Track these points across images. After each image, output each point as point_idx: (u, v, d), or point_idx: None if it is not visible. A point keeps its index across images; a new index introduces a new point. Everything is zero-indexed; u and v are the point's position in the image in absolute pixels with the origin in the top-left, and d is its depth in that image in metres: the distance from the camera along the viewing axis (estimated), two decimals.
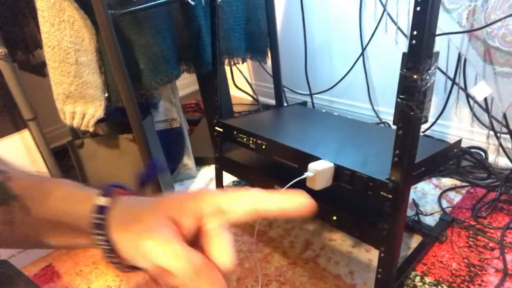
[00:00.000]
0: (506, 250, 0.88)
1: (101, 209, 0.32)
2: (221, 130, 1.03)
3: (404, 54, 0.60)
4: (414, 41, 0.58)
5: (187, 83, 2.00)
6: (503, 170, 1.12)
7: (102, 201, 0.33)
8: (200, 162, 1.42)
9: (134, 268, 0.32)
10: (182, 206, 0.31)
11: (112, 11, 0.83)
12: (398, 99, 0.63)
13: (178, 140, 1.34)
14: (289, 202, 0.30)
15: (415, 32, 0.57)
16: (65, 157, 1.26)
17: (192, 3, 0.93)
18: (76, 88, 0.91)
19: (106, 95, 0.96)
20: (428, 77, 0.60)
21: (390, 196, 0.68)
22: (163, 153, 1.19)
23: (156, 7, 0.99)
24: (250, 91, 1.81)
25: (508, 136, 1.10)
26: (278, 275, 0.90)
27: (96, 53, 0.91)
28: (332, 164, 0.74)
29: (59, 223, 0.34)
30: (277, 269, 0.92)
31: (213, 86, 1.08)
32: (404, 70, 0.60)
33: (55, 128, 1.48)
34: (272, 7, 1.22)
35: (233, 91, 1.69)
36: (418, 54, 0.58)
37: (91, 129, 0.96)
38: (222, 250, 0.29)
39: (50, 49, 0.86)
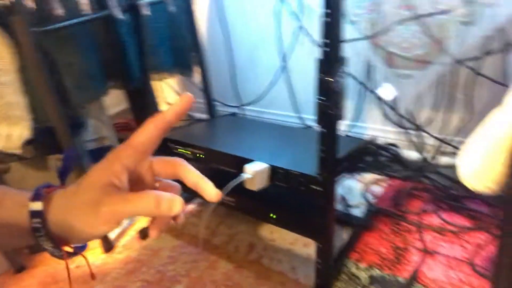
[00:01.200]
0: (424, 231, 0.99)
1: (37, 214, 0.35)
2: None
3: (318, 60, 0.68)
4: (325, 48, 0.66)
5: (115, 102, 1.95)
6: (414, 162, 1.27)
7: (36, 206, 0.35)
8: None
9: (76, 253, 0.38)
10: (111, 171, 0.35)
11: (34, 29, 0.82)
12: (317, 101, 0.70)
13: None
14: (181, 106, 0.39)
15: (325, 41, 0.65)
16: None
17: (122, 17, 0.94)
18: (0, 110, 0.86)
19: (33, 115, 0.92)
20: (340, 79, 0.68)
21: (320, 189, 0.74)
22: None
23: (79, 25, 0.98)
24: None
25: (414, 131, 1.25)
26: (226, 279, 0.92)
27: (18, 72, 0.87)
28: (267, 165, 0.79)
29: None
30: (224, 274, 0.94)
31: (143, 101, 1.08)
32: (320, 75, 0.68)
33: None
34: (193, 24, 1.27)
35: (165, 108, 1.69)
36: (330, 60, 0.66)
37: (18, 151, 0.92)
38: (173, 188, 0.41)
39: None
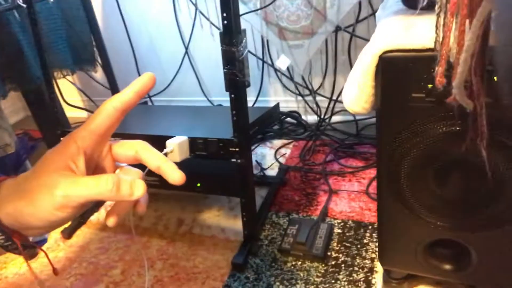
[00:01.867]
0: (328, 177, 1.16)
1: None
2: None
3: (220, 33, 0.77)
4: (225, 22, 0.75)
5: (10, 112, 1.82)
6: (313, 124, 1.44)
7: None
8: None
9: (32, 247, 0.35)
10: (67, 154, 0.33)
11: None
12: (225, 70, 0.79)
13: (16, 165, 1.25)
14: (142, 84, 0.36)
15: (225, 14, 0.74)
16: None
17: (23, 5, 0.91)
18: None
19: None
20: (242, 48, 0.78)
21: (238, 149, 0.84)
22: None
23: None
24: (86, 106, 1.78)
25: (310, 97, 1.42)
26: (161, 254, 0.97)
27: None
28: (186, 137, 0.86)
29: None
30: (158, 250, 0.99)
31: (46, 100, 1.07)
32: (224, 46, 0.77)
33: None
34: (94, 19, 1.27)
35: (68, 112, 1.63)
36: (231, 31, 0.76)
37: None
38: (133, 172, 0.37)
39: None
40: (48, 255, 0.38)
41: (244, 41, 0.79)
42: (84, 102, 1.81)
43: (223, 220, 1.06)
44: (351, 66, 1.27)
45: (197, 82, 1.60)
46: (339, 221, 0.98)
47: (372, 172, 1.15)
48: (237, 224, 1.02)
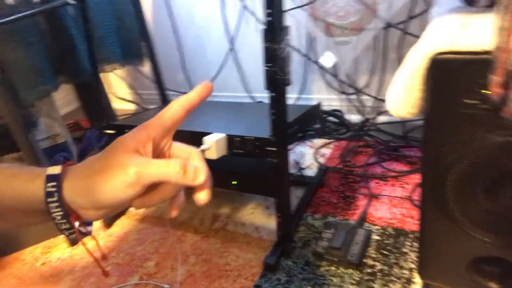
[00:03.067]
0: (369, 180, 1.11)
1: (53, 178, 0.34)
2: (113, 131, 1.06)
3: (263, 30, 0.75)
4: (269, 18, 0.73)
5: (62, 104, 1.91)
6: (357, 123, 1.39)
7: (53, 170, 0.34)
8: None
9: (85, 234, 0.36)
10: (138, 140, 0.36)
11: None
12: (265, 67, 0.77)
13: (65, 155, 1.31)
14: (202, 92, 0.40)
15: (269, 11, 0.72)
16: None
17: (73, 2, 0.95)
18: None
19: None
20: (284, 46, 0.76)
21: (275, 149, 0.82)
22: None
23: (22, 21, 0.97)
24: (134, 99, 1.84)
25: (354, 95, 1.37)
26: (194, 249, 0.98)
27: None
28: (224, 135, 0.86)
29: (8, 201, 0.34)
30: (192, 245, 1.00)
31: (94, 95, 1.10)
32: (266, 43, 0.75)
33: None
34: (141, 13, 1.29)
35: (117, 104, 1.69)
36: (274, 28, 0.73)
37: None
38: (187, 149, 0.40)
39: None
40: (89, 243, 0.41)
41: (287, 38, 0.77)
42: (132, 94, 1.86)
43: (258, 218, 1.05)
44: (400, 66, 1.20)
45: (240, 78, 1.60)
46: (378, 227, 0.93)
47: (417, 178, 1.09)
48: (271, 224, 1.00)
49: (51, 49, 1.11)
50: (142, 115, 1.22)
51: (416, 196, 1.01)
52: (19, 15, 0.93)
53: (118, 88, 1.78)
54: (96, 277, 0.94)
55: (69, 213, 0.34)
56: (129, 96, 1.82)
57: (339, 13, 1.09)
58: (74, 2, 0.97)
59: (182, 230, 1.05)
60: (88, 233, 0.37)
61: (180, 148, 0.41)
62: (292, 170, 1.20)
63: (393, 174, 1.13)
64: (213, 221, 1.07)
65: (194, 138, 0.92)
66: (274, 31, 0.74)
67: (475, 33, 0.46)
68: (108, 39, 1.26)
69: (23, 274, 1.00)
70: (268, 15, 0.73)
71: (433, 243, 0.62)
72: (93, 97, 1.28)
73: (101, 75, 1.31)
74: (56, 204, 0.33)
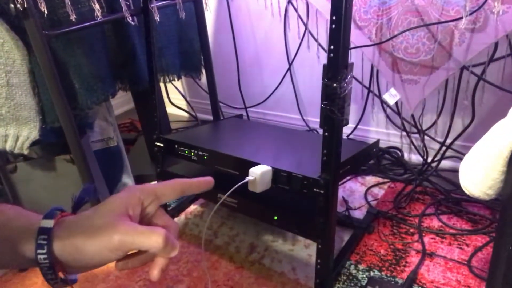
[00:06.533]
0: (423, 234, 1.01)
1: (45, 231, 0.36)
2: (162, 145, 1.06)
3: (324, 66, 0.69)
4: (331, 55, 0.67)
5: (120, 103, 1.98)
6: (416, 166, 1.28)
7: (46, 223, 0.36)
8: (140, 180, 1.42)
9: (71, 281, 0.38)
10: (129, 202, 0.39)
11: (46, 32, 0.84)
12: (322, 105, 0.71)
13: (116, 159, 1.33)
14: (202, 184, 0.45)
15: (332, 47, 0.67)
16: None
17: (132, 23, 0.96)
18: (8, 110, 0.88)
19: (41, 116, 0.95)
20: (345, 85, 0.70)
21: (322, 192, 0.76)
22: (101, 173, 1.18)
23: (90, 28, 1.00)
24: (186, 107, 1.85)
25: (417, 135, 1.26)
26: (227, 279, 0.94)
27: (29, 74, 0.90)
28: (270, 168, 0.81)
29: (4, 242, 0.37)
30: (225, 274, 0.95)
31: (150, 103, 1.11)
32: (325, 80, 0.70)
33: None
34: (204, 26, 1.29)
35: (169, 109, 1.71)
36: (336, 66, 0.68)
37: (26, 152, 0.94)
38: (169, 222, 0.43)
39: None
40: None
41: (349, 76, 0.71)
42: (184, 101, 1.87)
43: (296, 257, 0.99)
44: (473, 113, 1.08)
45: (295, 100, 1.55)
46: None
47: (479, 240, 0.97)
48: (310, 266, 0.94)
49: (112, 56, 1.13)
50: (194, 130, 1.21)
51: (476, 262, 0.89)
52: (87, 23, 0.95)
53: (173, 92, 1.80)
54: None
55: (55, 265, 0.36)
56: (183, 102, 1.84)
57: (409, 49, 1.00)
58: (135, 23, 0.98)
59: (217, 255, 1.02)
60: (74, 281, 0.39)
61: (162, 217, 0.43)
62: (339, 209, 1.13)
63: (451, 231, 1.01)
64: (250, 251, 1.03)
65: (239, 165, 0.89)
66: (335, 68, 0.68)
67: None
68: (169, 50, 1.27)
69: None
70: (331, 51, 0.67)
71: None
72: (149, 107, 1.29)
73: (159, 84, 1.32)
74: (45, 256, 0.35)
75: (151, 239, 0.36)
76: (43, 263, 0.35)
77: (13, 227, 0.37)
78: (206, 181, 0.45)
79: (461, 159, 1.17)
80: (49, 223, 0.36)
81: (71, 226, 0.37)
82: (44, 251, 0.35)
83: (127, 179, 1.34)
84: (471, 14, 0.88)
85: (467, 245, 0.96)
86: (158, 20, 0.99)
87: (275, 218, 0.88)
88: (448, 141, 1.17)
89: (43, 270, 0.36)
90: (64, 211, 0.39)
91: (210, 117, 1.43)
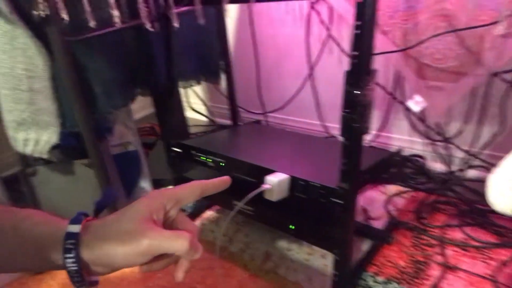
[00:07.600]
0: (445, 246, 0.97)
1: (72, 235, 0.37)
2: (180, 150, 1.06)
3: (346, 72, 0.67)
4: (355, 60, 0.65)
5: (141, 107, 2.00)
6: (440, 175, 1.24)
7: (74, 228, 0.37)
8: (157, 184, 1.42)
9: (94, 282, 0.40)
10: (153, 207, 0.40)
11: (67, 39, 0.85)
12: (343, 113, 0.69)
13: (134, 163, 1.34)
14: (220, 183, 0.46)
15: (355, 53, 0.64)
16: (13, 186, 1.21)
17: (151, 29, 0.96)
18: (30, 115, 0.90)
19: (61, 121, 0.96)
20: (368, 92, 0.68)
21: (341, 202, 0.74)
22: (118, 177, 1.19)
23: (110, 34, 1.01)
24: (205, 112, 1.85)
25: (441, 143, 1.22)
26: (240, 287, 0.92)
27: (50, 79, 0.91)
28: (287, 176, 0.80)
29: (31, 246, 0.38)
30: (239, 282, 0.94)
31: (169, 108, 1.11)
32: (347, 87, 0.67)
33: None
34: (224, 31, 1.28)
35: (189, 113, 1.72)
36: (359, 72, 0.65)
37: (45, 156, 0.95)
38: (190, 226, 0.43)
39: (1, 76, 0.85)
40: None
41: (372, 83, 0.68)
42: (203, 105, 1.88)
43: (312, 267, 0.96)
44: (503, 122, 1.04)
45: (315, 105, 1.53)
46: None
47: (505, 254, 0.92)
48: (327, 277, 0.91)
49: (132, 62, 1.14)
50: (212, 136, 1.21)
51: (501, 278, 0.85)
52: (107, 29, 0.96)
53: (193, 97, 1.81)
54: None
55: (82, 268, 0.37)
56: (200, 107, 1.84)
57: (436, 55, 0.96)
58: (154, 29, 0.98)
59: (231, 263, 1.01)
60: (96, 283, 0.40)
61: (183, 220, 0.44)
62: (358, 218, 1.10)
63: (476, 244, 0.97)
64: (264, 259, 1.01)
65: (256, 172, 0.88)
66: (358, 75, 0.66)
67: None
68: (188, 56, 1.27)
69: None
70: (354, 57, 0.65)
71: None
72: (168, 111, 1.29)
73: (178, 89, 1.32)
74: (73, 260, 0.36)
75: (177, 243, 0.37)
76: (71, 267, 0.36)
77: (40, 232, 0.38)
78: (223, 181, 0.46)
79: (487, 169, 1.13)
80: (76, 228, 0.37)
81: (98, 230, 0.38)
82: (72, 255, 0.36)
83: (145, 183, 1.35)
84: (502, 19, 0.84)
85: (492, 259, 0.91)
86: (178, 26, 0.99)
87: (291, 227, 0.87)
88: (475, 149, 1.13)
89: (70, 273, 0.37)
90: (88, 216, 0.40)
91: (228, 122, 1.42)
